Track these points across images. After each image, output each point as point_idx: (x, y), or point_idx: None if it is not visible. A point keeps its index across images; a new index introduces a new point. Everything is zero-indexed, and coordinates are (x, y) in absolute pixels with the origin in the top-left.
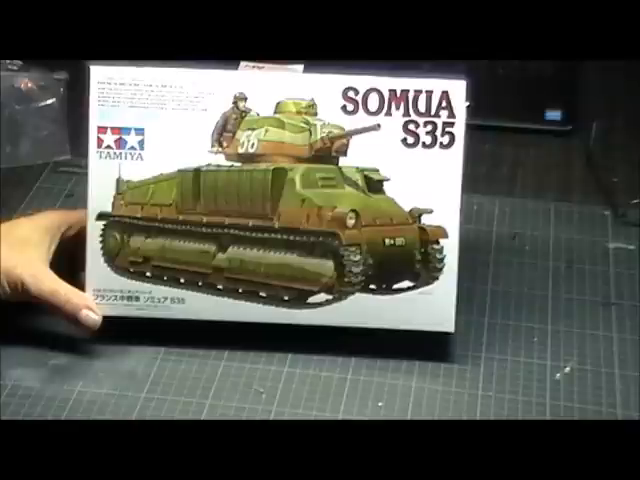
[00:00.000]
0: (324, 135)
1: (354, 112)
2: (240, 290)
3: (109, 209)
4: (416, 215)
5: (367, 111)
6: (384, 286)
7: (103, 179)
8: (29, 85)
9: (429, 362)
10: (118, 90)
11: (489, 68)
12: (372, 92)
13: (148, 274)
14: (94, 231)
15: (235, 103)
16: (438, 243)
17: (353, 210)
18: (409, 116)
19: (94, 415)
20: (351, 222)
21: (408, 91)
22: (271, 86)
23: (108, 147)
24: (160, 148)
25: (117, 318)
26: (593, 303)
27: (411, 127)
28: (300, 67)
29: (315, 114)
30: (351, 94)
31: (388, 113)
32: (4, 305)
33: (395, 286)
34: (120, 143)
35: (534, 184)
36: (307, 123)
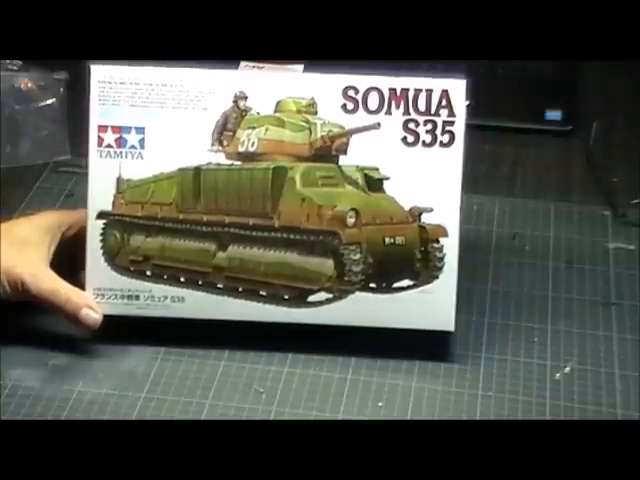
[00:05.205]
0: (324, 134)
1: (354, 111)
2: (240, 289)
3: (109, 208)
4: (416, 214)
5: (367, 110)
6: (384, 285)
7: (103, 178)
8: (29, 85)
9: (429, 362)
10: (119, 89)
11: (489, 68)
12: (372, 91)
13: (148, 273)
14: (94, 230)
15: (235, 102)
16: (438, 242)
17: (353, 209)
18: (409, 115)
19: (94, 415)
20: (351, 221)
21: (408, 90)
22: (271, 85)
23: (108, 146)
24: (160, 147)
25: (117, 317)
26: (593, 303)
27: (411, 126)
28: (300, 67)
29: (315, 113)
30: (351, 93)
31: (388, 112)
32: (4, 305)
33: (395, 285)
34: (120, 142)
35: (534, 184)
36: (307, 122)
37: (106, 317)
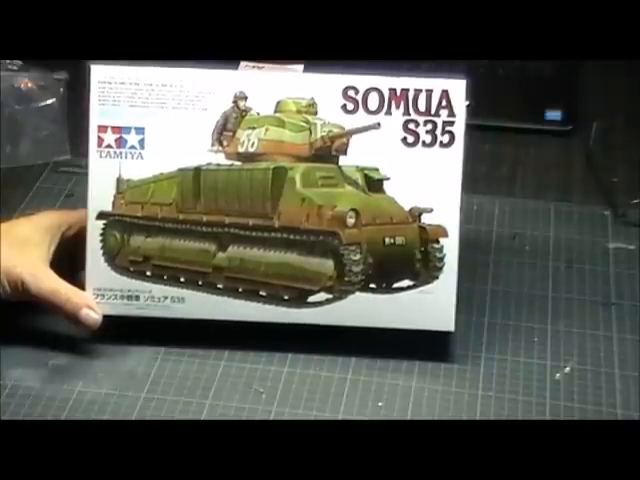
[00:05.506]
0: (324, 134)
1: (354, 111)
2: (240, 289)
3: (109, 208)
4: (416, 214)
5: (367, 110)
6: (384, 285)
7: (103, 178)
8: (29, 85)
9: (429, 362)
10: (119, 89)
11: (489, 68)
12: (372, 91)
13: (148, 273)
14: (94, 230)
15: (235, 102)
16: (438, 242)
17: (353, 209)
18: (409, 115)
19: (94, 415)
20: (351, 221)
21: (408, 90)
22: (271, 85)
23: (108, 146)
24: (160, 147)
25: (117, 317)
26: (593, 303)
27: (411, 126)
28: (300, 67)
29: (315, 113)
30: (351, 93)
31: (388, 112)
32: (4, 305)
33: (395, 285)
34: (120, 142)
35: (534, 184)
36: (307, 122)
37: (106, 317)
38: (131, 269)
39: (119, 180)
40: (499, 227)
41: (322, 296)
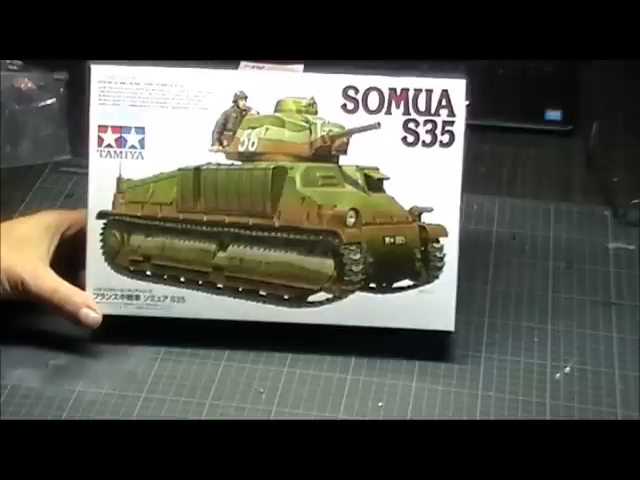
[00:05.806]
0: (324, 134)
1: (354, 111)
2: (240, 289)
3: (109, 208)
4: (416, 214)
5: (367, 110)
6: (384, 285)
7: (103, 178)
8: (29, 85)
9: (429, 362)
10: (119, 89)
11: (489, 68)
12: (372, 91)
13: (148, 273)
14: (94, 230)
15: (235, 102)
16: (438, 242)
17: (353, 209)
18: (409, 115)
19: (94, 415)
20: (351, 221)
21: (408, 90)
22: (271, 85)
23: (109, 146)
24: (160, 147)
25: (117, 317)
26: (593, 303)
27: (411, 126)
28: (300, 67)
29: (315, 113)
30: (351, 93)
31: (388, 112)
32: (4, 305)
33: (395, 285)
34: (120, 142)
35: (534, 184)
36: (307, 122)
37: (106, 317)
38: (131, 269)
39: (119, 180)
40: (499, 227)
41: (322, 295)
